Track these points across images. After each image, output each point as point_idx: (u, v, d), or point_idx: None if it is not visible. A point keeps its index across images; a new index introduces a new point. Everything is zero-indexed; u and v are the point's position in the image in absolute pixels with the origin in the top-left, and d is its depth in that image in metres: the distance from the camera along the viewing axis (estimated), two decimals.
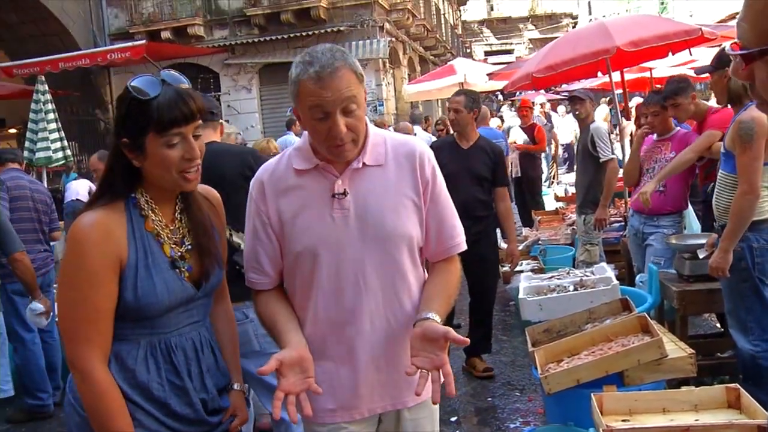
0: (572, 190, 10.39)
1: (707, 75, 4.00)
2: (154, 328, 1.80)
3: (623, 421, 2.70)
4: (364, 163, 1.89)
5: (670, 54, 6.59)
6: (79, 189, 9.56)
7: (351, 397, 1.96)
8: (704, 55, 9.09)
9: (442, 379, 1.71)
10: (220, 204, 2.04)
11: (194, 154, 1.74)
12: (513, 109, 20.57)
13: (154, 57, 12.82)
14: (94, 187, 9.25)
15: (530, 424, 4.09)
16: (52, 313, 4.90)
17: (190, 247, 1.87)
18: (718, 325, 5.21)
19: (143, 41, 13.34)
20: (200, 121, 1.76)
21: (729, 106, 3.63)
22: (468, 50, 34.44)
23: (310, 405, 1.77)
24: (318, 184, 1.90)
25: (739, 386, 2.75)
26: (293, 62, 1.80)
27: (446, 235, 2.01)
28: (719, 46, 10.63)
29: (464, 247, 2.08)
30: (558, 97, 23.26)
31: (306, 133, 1.93)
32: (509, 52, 37.39)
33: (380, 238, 1.89)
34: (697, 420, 2.63)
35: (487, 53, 37.69)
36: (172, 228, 1.86)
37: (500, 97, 24.30)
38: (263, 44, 16.25)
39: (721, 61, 3.51)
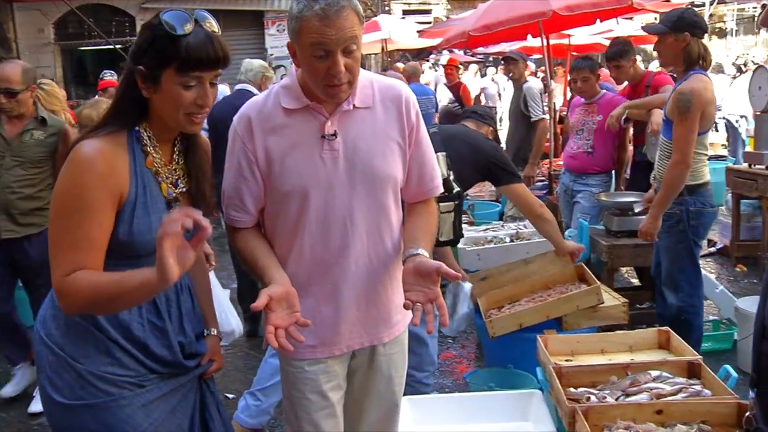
0: None
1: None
2: (139, 267, 1.76)
3: (566, 360, 2.89)
4: (354, 105, 1.91)
5: (597, 21, 6.80)
6: None
7: (332, 334, 2.01)
8: (622, 28, 9.53)
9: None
10: (210, 151, 2.02)
11: (206, 101, 1.72)
12: (433, 68, 20.69)
13: None
14: None
15: (465, 369, 4.28)
16: None
17: (184, 189, 1.86)
18: (633, 280, 5.57)
19: None
20: (221, 70, 1.74)
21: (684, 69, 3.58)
22: (387, 8, 34.19)
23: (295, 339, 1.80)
24: (307, 125, 1.90)
25: (669, 329, 2.99)
26: None
27: (427, 177, 2.08)
28: (630, 18, 11.10)
29: (441, 189, 2.16)
30: (474, 59, 23.59)
31: (293, 71, 1.94)
32: (427, 12, 37.35)
33: (368, 180, 1.93)
34: (632, 359, 2.85)
35: (405, 12, 37.48)
36: (169, 168, 1.84)
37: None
38: None
39: (680, 22, 3.49)
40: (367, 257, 1.99)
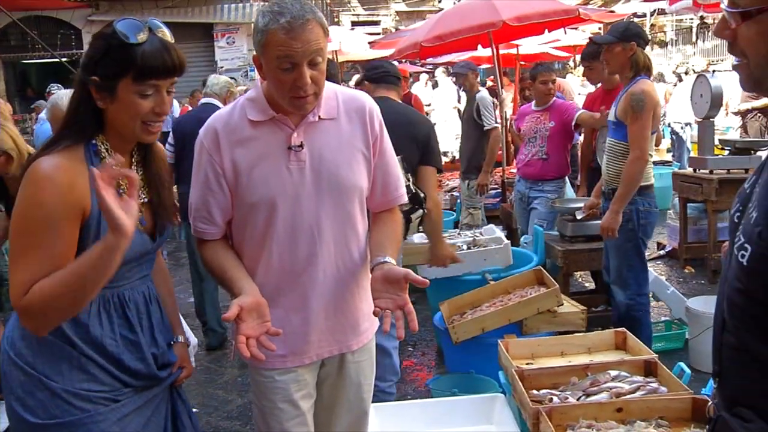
0: (445, 159, 10.81)
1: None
2: (110, 280, 1.76)
3: (527, 363, 2.95)
4: (319, 117, 1.94)
5: (546, 31, 6.97)
6: None
7: (302, 343, 2.03)
8: (569, 37, 9.79)
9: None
10: (166, 159, 2.03)
11: (164, 109, 1.73)
12: None
13: (8, 6, 11.81)
14: None
15: (426, 376, 4.32)
16: None
17: (145, 200, 1.86)
18: (587, 284, 5.71)
19: None
20: (176, 78, 1.74)
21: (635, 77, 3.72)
22: (336, 19, 34.33)
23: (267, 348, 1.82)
24: (274, 136, 1.93)
25: (626, 330, 3.08)
26: (260, 11, 1.82)
27: (392, 186, 2.12)
28: (575, 28, 11.42)
29: (406, 198, 2.20)
30: (423, 69, 23.85)
31: (258, 83, 1.97)
32: (376, 23, 37.61)
33: (334, 190, 1.96)
34: (591, 360, 2.93)
35: (354, 23, 37.68)
36: None
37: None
38: (130, 1, 15.43)
39: (627, 33, 3.69)
40: (335, 266, 2.01)
